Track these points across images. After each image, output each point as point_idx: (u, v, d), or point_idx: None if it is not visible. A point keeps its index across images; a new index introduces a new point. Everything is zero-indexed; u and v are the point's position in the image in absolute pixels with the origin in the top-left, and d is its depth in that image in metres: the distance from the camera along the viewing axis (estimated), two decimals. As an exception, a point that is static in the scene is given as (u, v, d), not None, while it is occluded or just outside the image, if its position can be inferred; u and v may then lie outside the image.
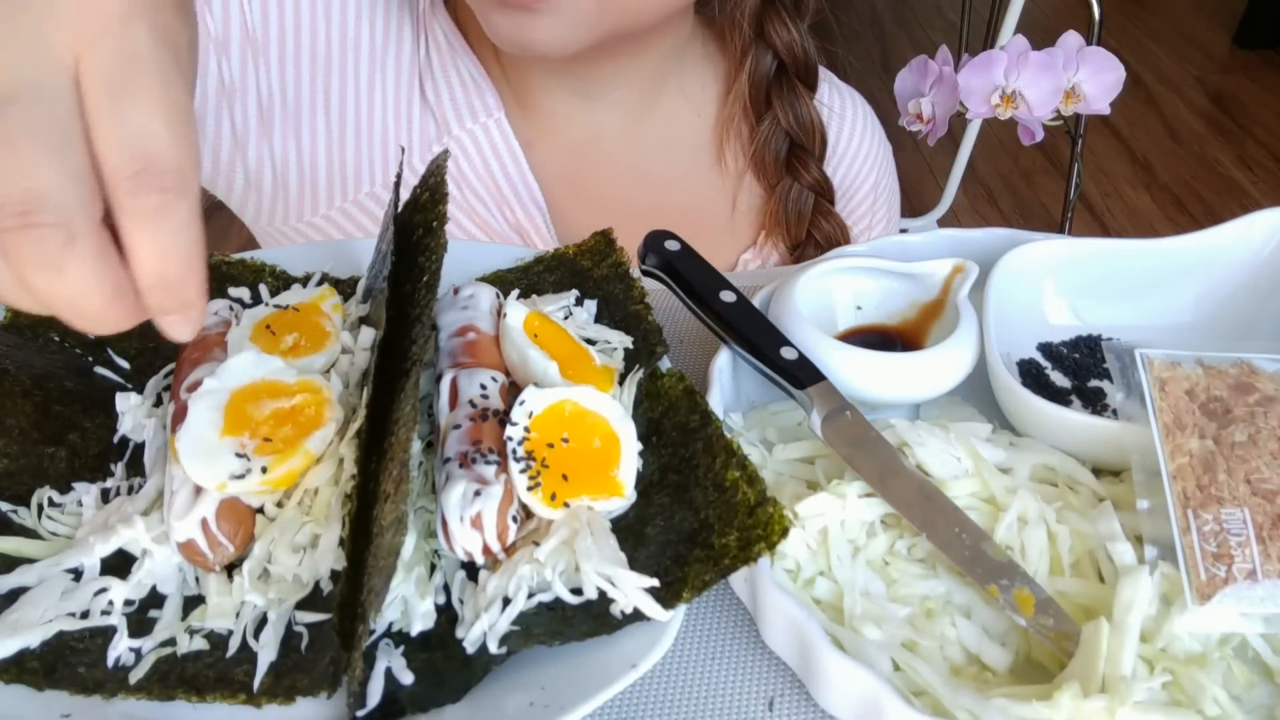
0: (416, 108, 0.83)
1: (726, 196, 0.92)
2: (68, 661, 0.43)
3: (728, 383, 0.56)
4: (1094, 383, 0.59)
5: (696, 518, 0.46)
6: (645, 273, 0.59)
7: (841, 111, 0.94)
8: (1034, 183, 2.72)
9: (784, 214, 0.90)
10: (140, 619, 0.45)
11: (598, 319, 0.59)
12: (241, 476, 0.46)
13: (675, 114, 0.90)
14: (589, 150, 0.89)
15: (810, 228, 0.91)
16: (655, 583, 0.43)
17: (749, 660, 0.47)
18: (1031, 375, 0.60)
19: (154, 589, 0.46)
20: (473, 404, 0.49)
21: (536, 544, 0.45)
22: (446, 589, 0.46)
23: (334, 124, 0.80)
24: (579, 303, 0.59)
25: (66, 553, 0.46)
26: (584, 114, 0.87)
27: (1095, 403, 0.58)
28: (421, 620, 0.45)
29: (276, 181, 0.82)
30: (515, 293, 0.60)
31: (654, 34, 0.81)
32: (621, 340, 0.56)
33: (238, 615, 0.45)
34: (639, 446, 0.49)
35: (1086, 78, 0.91)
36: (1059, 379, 0.60)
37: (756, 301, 0.58)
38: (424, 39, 0.83)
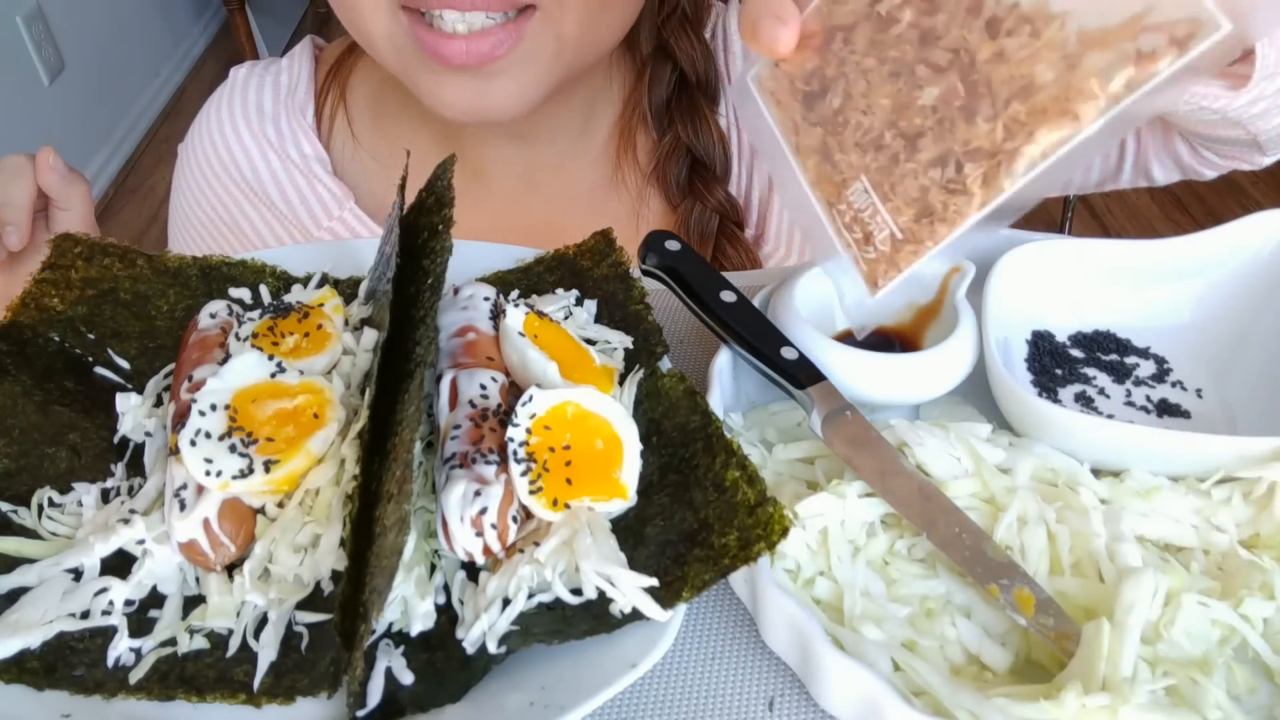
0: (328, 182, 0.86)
1: (629, 215, 0.87)
2: (68, 661, 0.43)
3: (728, 383, 0.56)
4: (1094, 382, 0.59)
5: (696, 517, 0.46)
6: (645, 273, 0.59)
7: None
8: (1034, 183, 2.71)
9: (688, 235, 0.84)
10: (140, 619, 0.45)
11: (598, 319, 0.59)
12: (244, 476, 0.46)
13: (588, 139, 0.88)
14: (522, 186, 0.87)
15: (716, 252, 0.85)
16: (655, 582, 0.43)
17: (749, 660, 0.47)
18: (1039, 357, 0.60)
19: (154, 589, 0.46)
20: (473, 404, 0.49)
21: (536, 544, 0.45)
22: (446, 589, 0.46)
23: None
24: (579, 303, 0.59)
25: (66, 553, 0.46)
26: (517, 156, 0.86)
27: (1094, 402, 0.58)
28: (421, 620, 0.45)
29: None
30: (515, 293, 0.60)
31: (592, 68, 0.79)
32: (621, 340, 0.56)
33: (238, 615, 0.45)
34: (639, 447, 0.49)
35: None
36: (1059, 377, 0.60)
37: (756, 301, 0.58)
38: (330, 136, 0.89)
